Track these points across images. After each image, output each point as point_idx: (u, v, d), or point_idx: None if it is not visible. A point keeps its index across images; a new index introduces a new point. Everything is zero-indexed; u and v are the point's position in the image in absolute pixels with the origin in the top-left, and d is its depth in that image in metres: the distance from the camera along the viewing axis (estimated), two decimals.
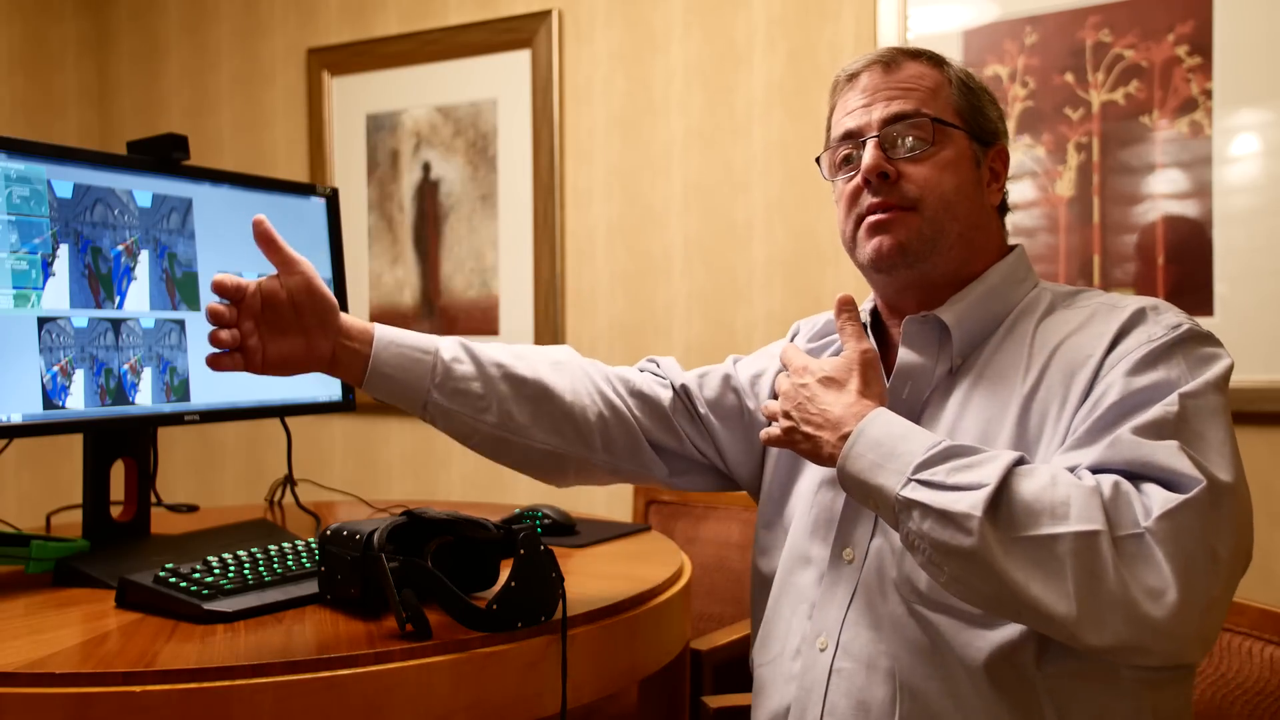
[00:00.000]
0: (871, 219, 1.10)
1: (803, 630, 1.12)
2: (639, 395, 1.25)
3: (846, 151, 1.13)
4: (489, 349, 1.20)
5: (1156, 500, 0.88)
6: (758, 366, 1.30)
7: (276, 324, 1.06)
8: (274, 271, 1.09)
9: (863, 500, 0.99)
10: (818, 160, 1.19)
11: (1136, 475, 0.91)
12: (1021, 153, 2.07)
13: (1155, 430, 0.91)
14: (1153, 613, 0.86)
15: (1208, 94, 1.91)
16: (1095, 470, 0.92)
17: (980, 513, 0.88)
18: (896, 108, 1.10)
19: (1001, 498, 0.90)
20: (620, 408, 1.23)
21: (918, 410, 1.09)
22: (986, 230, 1.13)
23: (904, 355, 1.10)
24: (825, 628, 1.09)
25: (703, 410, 1.26)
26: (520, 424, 1.17)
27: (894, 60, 1.12)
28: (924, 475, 0.93)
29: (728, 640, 1.60)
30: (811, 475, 1.19)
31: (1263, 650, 1.28)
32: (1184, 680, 1.02)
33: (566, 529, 1.62)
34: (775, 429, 1.10)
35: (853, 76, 1.14)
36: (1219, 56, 1.91)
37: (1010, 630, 0.97)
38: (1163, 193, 1.95)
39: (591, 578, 1.35)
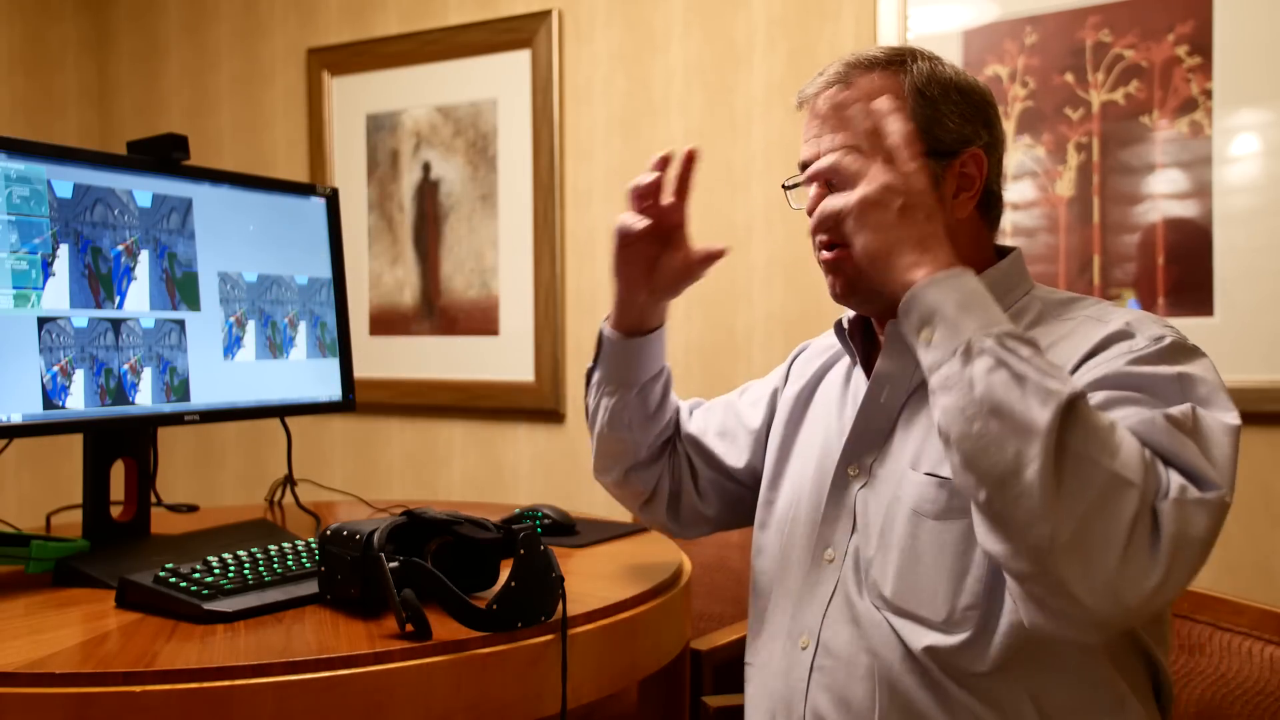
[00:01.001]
0: (823, 256, 1.11)
1: (786, 629, 1.13)
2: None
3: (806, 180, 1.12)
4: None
5: (1175, 486, 0.86)
6: (768, 385, 1.37)
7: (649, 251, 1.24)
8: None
9: (919, 328, 0.93)
10: (785, 187, 1.18)
11: (1164, 459, 0.89)
12: (1021, 153, 2.07)
13: (1181, 425, 0.89)
14: (1126, 588, 0.84)
15: (1208, 94, 1.91)
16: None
17: (1065, 398, 0.84)
18: (839, 142, 1.07)
19: (1078, 404, 0.86)
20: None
21: (895, 414, 1.10)
22: (955, 243, 1.04)
23: (884, 359, 1.11)
24: (807, 626, 1.10)
25: (700, 439, 1.37)
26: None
27: (844, 81, 1.09)
28: (1009, 341, 0.88)
29: (728, 640, 1.60)
30: (796, 476, 1.20)
31: (1263, 650, 1.28)
32: (1157, 659, 1.04)
33: (566, 529, 1.62)
34: (845, 195, 0.98)
35: (810, 99, 1.12)
36: (1219, 56, 1.91)
37: (964, 634, 0.98)
38: (1163, 193, 1.95)
39: (591, 578, 1.35)
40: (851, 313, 1.21)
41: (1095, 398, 0.92)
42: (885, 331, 1.11)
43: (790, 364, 1.36)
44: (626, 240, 1.21)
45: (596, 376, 1.32)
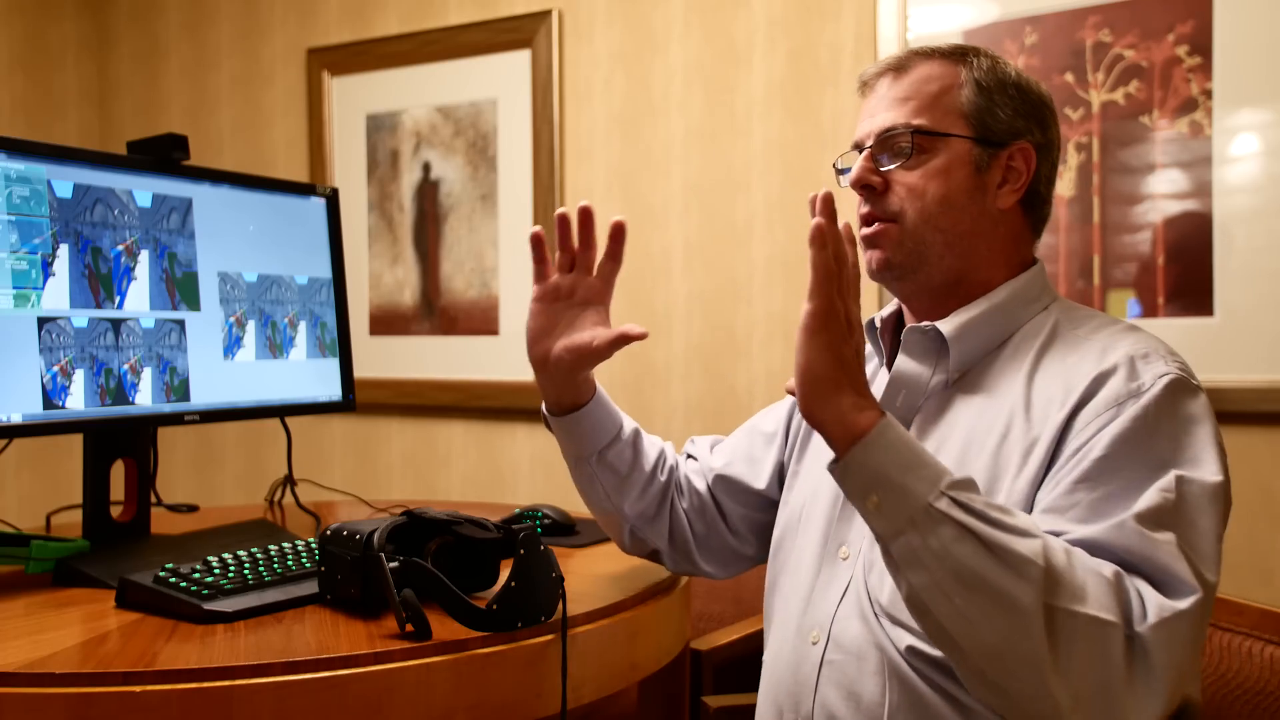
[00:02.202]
0: (863, 232, 1.12)
1: (797, 625, 1.13)
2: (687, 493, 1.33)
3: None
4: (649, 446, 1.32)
5: (1153, 605, 0.86)
6: (781, 408, 1.34)
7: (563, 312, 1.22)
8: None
9: (863, 494, 0.91)
10: (835, 166, 1.20)
11: (1132, 567, 0.89)
12: None
13: (1155, 520, 0.89)
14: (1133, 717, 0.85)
15: (1208, 94, 1.91)
16: (1090, 548, 0.90)
17: (1043, 563, 0.83)
18: (888, 120, 1.10)
19: (1051, 559, 0.85)
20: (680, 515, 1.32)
21: (909, 419, 1.10)
22: (991, 236, 1.10)
23: (900, 363, 1.11)
24: (817, 621, 1.10)
25: (728, 474, 1.32)
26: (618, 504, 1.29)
27: (904, 65, 1.12)
28: (962, 497, 0.87)
29: (728, 640, 1.60)
30: (813, 475, 1.20)
31: (1263, 650, 1.28)
32: (1192, 698, 1.03)
33: (566, 529, 1.62)
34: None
35: (866, 84, 1.16)
36: (1219, 56, 1.91)
37: None
38: (1163, 193, 1.95)
39: (591, 578, 1.35)
40: (885, 311, 1.22)
41: (1074, 473, 0.93)
42: (904, 335, 1.11)
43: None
44: (538, 295, 1.22)
45: (585, 464, 1.28)
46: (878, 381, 1.19)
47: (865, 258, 1.13)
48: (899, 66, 1.13)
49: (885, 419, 0.91)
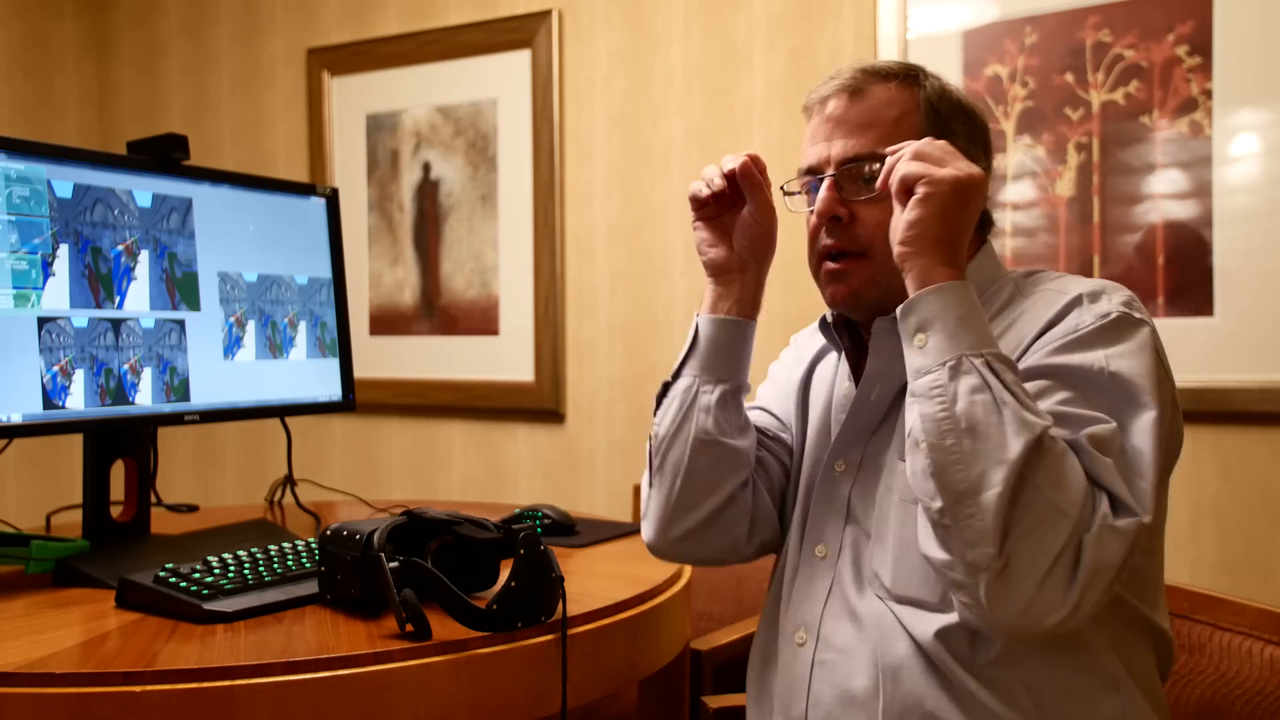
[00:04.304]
0: (828, 266, 1.11)
1: (779, 626, 1.14)
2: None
3: (807, 184, 1.13)
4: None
5: (1100, 514, 0.90)
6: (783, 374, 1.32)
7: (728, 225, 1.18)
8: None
9: (916, 329, 0.96)
10: (782, 189, 1.17)
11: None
12: (1021, 153, 2.07)
13: (1103, 444, 0.93)
14: (1036, 614, 0.89)
15: (1208, 94, 1.91)
16: None
17: (1038, 432, 0.88)
18: (852, 148, 1.07)
19: (1046, 439, 0.89)
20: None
21: (884, 409, 1.11)
22: None
23: (874, 358, 1.10)
24: (803, 622, 1.10)
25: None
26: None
27: (860, 87, 1.09)
28: (996, 365, 0.92)
29: (728, 640, 1.60)
30: (800, 475, 1.20)
31: (1263, 650, 1.28)
32: (1161, 628, 1.06)
33: (566, 529, 1.62)
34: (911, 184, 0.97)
35: (820, 102, 1.12)
36: (1219, 56, 1.91)
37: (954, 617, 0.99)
38: (1163, 193, 1.95)
39: (591, 578, 1.35)
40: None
41: (1031, 385, 0.96)
42: (873, 330, 1.10)
43: (786, 361, 1.35)
44: (698, 204, 1.18)
45: (687, 379, 1.15)
46: (839, 378, 1.19)
47: (829, 290, 1.11)
48: (854, 89, 1.09)
49: (965, 282, 0.96)
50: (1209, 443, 1.91)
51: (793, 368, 1.31)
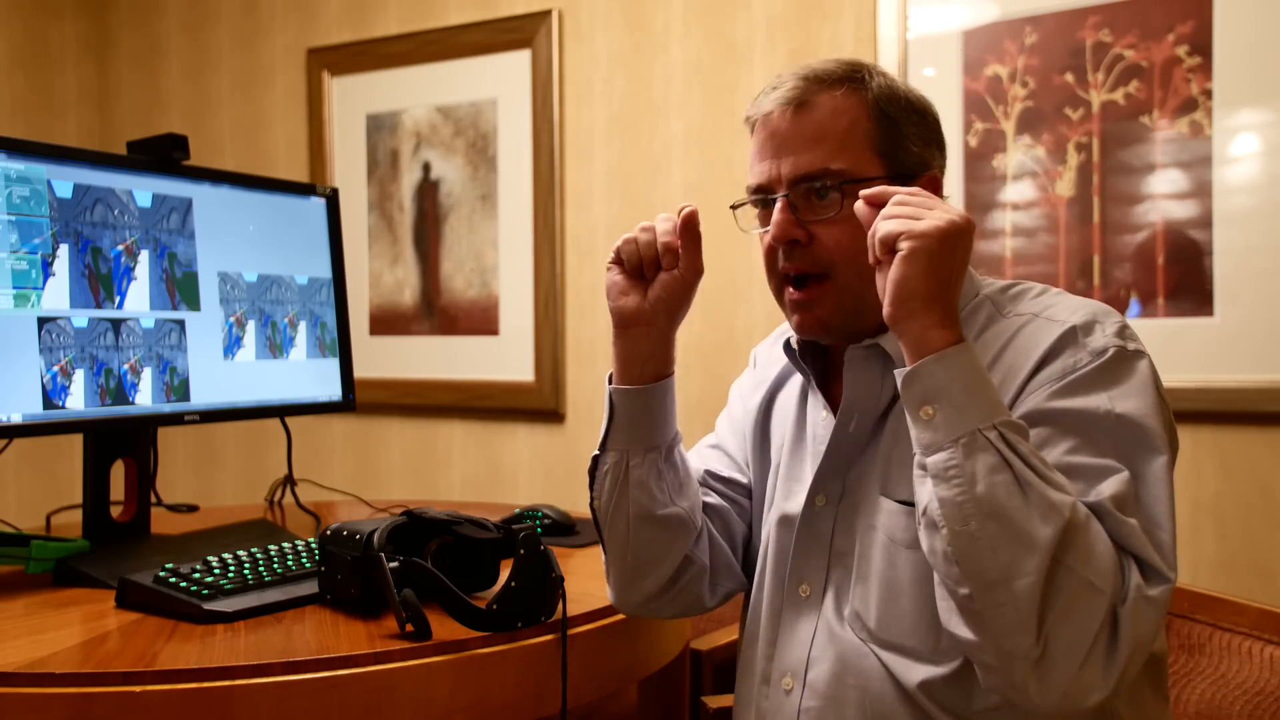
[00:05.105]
0: (791, 295, 1.06)
1: (762, 670, 1.10)
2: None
3: (759, 203, 1.08)
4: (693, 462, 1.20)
5: (1133, 586, 0.87)
6: (734, 407, 1.28)
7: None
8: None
9: (921, 402, 0.90)
10: (733, 208, 1.12)
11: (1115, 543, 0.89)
12: (1021, 153, 2.07)
13: (1122, 503, 0.89)
14: (1079, 694, 0.86)
15: (1208, 94, 1.91)
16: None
17: (1067, 517, 0.84)
18: (804, 166, 1.02)
19: (1076, 518, 0.85)
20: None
21: (864, 438, 1.06)
22: None
23: (850, 388, 1.06)
24: (790, 668, 1.07)
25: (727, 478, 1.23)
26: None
27: (804, 99, 1.03)
28: (1011, 436, 0.87)
29: (728, 640, 1.60)
30: (769, 510, 1.16)
31: (1263, 650, 1.28)
32: (1160, 660, 1.03)
33: (566, 529, 1.62)
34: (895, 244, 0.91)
35: (764, 116, 1.06)
36: (1219, 56, 1.91)
37: (953, 663, 0.96)
38: (1163, 193, 1.95)
39: (591, 578, 1.35)
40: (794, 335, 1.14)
41: (1033, 434, 0.92)
42: (846, 359, 1.06)
43: (744, 387, 1.29)
44: (637, 256, 1.13)
45: (614, 454, 1.10)
46: (810, 406, 1.14)
47: (794, 319, 1.07)
48: (798, 101, 1.03)
49: (966, 344, 0.90)
50: (1209, 443, 1.91)
51: (749, 394, 1.25)
